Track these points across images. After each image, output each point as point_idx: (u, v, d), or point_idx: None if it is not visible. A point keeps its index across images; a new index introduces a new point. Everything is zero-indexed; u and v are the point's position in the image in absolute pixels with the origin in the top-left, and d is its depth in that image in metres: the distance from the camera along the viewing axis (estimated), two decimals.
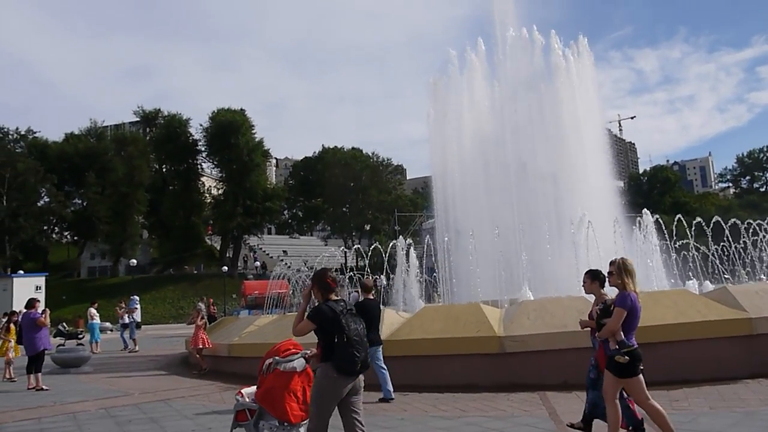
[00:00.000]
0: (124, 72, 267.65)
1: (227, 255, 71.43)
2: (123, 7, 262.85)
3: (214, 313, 31.85)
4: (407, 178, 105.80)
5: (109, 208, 63.48)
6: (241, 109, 69.67)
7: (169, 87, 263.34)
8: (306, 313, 5.37)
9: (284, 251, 79.16)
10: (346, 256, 56.72)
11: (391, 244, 20.73)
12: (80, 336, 23.18)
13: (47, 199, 64.84)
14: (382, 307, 10.06)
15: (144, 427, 8.25)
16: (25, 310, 14.99)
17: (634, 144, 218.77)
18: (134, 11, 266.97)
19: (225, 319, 22.41)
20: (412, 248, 19.31)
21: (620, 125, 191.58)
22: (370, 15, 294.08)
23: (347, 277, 21.14)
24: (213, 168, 74.84)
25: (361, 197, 78.38)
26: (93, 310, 23.92)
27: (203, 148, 71.21)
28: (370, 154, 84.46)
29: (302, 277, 25.57)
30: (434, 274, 20.93)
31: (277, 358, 5.68)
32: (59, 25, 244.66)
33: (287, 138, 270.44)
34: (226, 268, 59.53)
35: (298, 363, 5.68)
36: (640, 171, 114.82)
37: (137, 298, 26.45)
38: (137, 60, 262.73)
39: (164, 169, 73.85)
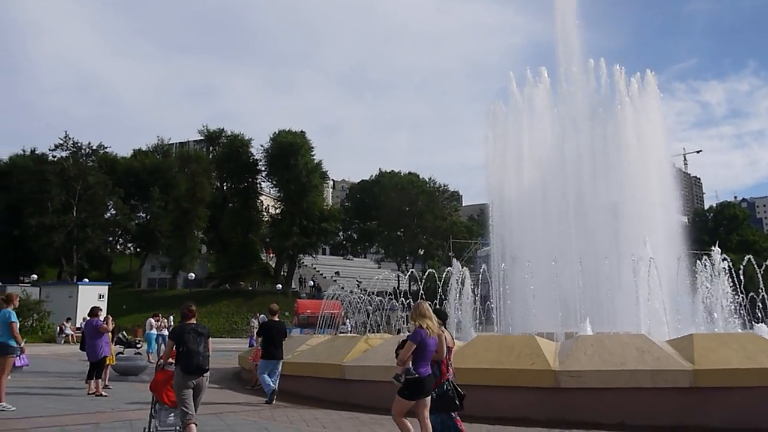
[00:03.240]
0: (188, 92, 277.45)
1: (282, 273, 72.38)
2: (186, 30, 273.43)
3: None
4: (462, 204, 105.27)
5: (171, 223, 65.38)
6: (301, 131, 70.87)
7: (229, 107, 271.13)
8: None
9: (337, 272, 79.68)
10: (398, 280, 56.71)
11: (446, 270, 20.61)
12: (138, 345, 23.80)
13: (114, 212, 67.21)
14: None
15: None
16: (87, 318, 15.57)
17: (699, 179, 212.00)
18: (197, 34, 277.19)
19: None
20: (467, 276, 19.16)
21: (685, 159, 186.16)
22: (426, 41, 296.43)
23: (400, 301, 21.11)
24: (272, 187, 76.20)
25: (416, 222, 78.36)
26: (152, 321, 24.58)
27: (263, 168, 72.71)
28: (427, 180, 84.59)
29: (354, 298, 25.68)
30: (487, 302, 20.67)
31: (162, 361, 8.15)
32: (128, 45, 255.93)
33: (343, 160, 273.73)
34: (280, 285, 60.27)
35: None
36: (706, 207, 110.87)
37: None
38: (200, 80, 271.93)
39: (225, 187, 75.67)
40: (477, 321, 19.76)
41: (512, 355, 10.79)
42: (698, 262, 17.35)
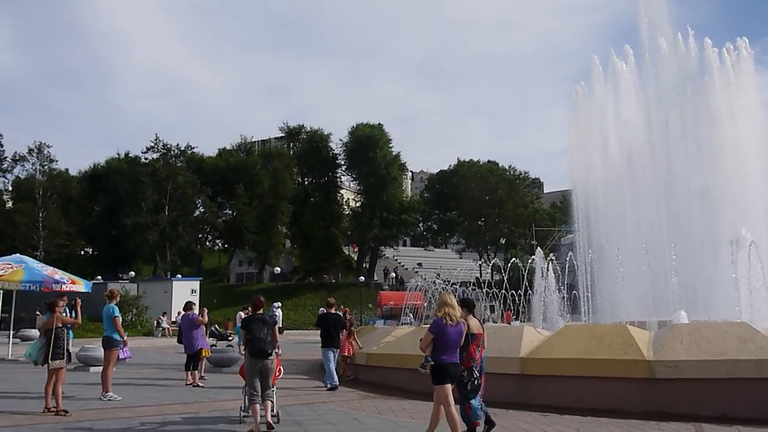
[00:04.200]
0: (266, 89, 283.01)
1: (364, 265, 73.24)
2: (261, 29, 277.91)
3: (351, 320, 32.68)
4: (544, 191, 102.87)
5: (256, 219, 67.40)
6: (379, 124, 71.32)
7: (306, 102, 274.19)
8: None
9: (419, 263, 79.81)
10: (480, 270, 56.23)
11: (530, 259, 20.23)
12: (230, 338, 24.78)
13: (202, 210, 70.01)
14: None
15: (289, 428, 8.61)
16: (183, 312, 16.35)
17: None
18: (270, 31, 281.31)
19: (363, 329, 22.95)
20: (551, 264, 18.75)
21: None
22: (500, 26, 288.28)
23: (484, 291, 20.94)
24: (351, 181, 77.18)
25: (497, 211, 77.26)
26: (241, 314, 25.45)
27: (343, 162, 73.67)
28: (507, 167, 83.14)
29: (438, 289, 25.65)
30: (573, 291, 20.18)
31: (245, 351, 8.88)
32: (206, 48, 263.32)
33: (420, 151, 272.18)
34: (362, 278, 61.02)
35: None
36: None
37: (279, 304, 27.63)
38: (277, 78, 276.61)
39: (306, 182, 77.11)
40: (564, 310, 19.32)
41: (603, 345, 10.48)
42: None
